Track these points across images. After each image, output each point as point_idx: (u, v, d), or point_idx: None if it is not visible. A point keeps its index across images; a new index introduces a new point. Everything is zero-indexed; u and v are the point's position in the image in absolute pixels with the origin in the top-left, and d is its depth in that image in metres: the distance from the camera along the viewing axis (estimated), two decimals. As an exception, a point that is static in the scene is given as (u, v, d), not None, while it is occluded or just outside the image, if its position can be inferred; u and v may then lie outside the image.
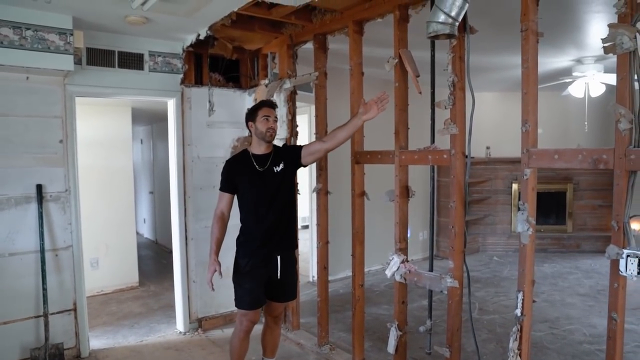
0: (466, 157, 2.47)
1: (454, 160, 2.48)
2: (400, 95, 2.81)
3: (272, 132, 2.80)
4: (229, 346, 2.94)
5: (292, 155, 2.89)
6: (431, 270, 2.87)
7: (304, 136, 4.80)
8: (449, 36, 2.34)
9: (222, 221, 2.80)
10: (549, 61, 4.93)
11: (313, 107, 5.17)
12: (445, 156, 2.54)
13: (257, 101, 3.96)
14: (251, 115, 2.85)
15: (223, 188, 2.83)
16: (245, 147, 4.15)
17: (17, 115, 3.22)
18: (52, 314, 3.35)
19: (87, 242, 4.87)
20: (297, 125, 3.75)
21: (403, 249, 2.90)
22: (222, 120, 4.07)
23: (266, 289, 2.81)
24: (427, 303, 3.13)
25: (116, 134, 5.24)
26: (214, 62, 4.07)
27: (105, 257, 5.12)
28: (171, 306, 4.38)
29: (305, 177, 5.19)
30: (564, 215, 7.02)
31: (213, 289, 2.63)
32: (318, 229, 3.51)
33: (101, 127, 5.09)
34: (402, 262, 2.86)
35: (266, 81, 3.90)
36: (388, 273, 2.90)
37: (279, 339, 3.13)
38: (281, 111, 3.72)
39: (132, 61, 3.65)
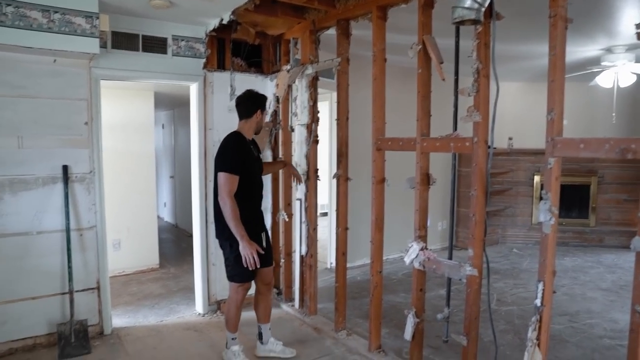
0: (489, 146, 2.44)
1: (477, 148, 2.45)
2: (423, 82, 2.78)
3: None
4: (225, 316, 3.18)
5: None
6: (450, 259, 2.85)
7: (325, 123, 4.80)
8: (475, 22, 2.30)
9: (235, 202, 2.88)
10: (577, 50, 4.81)
11: (334, 94, 5.17)
12: (467, 144, 2.51)
13: (279, 87, 3.98)
14: (263, 105, 3.12)
15: (235, 170, 2.88)
16: (266, 133, 4.19)
17: (45, 98, 3.29)
18: (77, 291, 3.45)
19: (110, 224, 4.96)
20: (318, 112, 3.75)
21: (422, 237, 2.90)
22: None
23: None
24: (445, 292, 3.13)
25: (139, 118, 5.31)
26: (236, 47, 4.08)
27: (126, 239, 5.23)
28: (190, 288, 4.46)
29: (324, 164, 5.19)
30: (587, 208, 6.88)
31: (258, 266, 2.89)
32: (337, 215, 3.52)
33: (124, 111, 5.17)
34: (421, 249, 2.85)
35: (288, 67, 3.90)
36: (407, 260, 2.90)
37: (271, 305, 3.36)
38: (302, 97, 3.72)
39: (155, 45, 3.68)
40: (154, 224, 5.50)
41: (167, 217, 8.50)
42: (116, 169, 5.05)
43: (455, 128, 2.70)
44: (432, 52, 2.69)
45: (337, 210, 3.53)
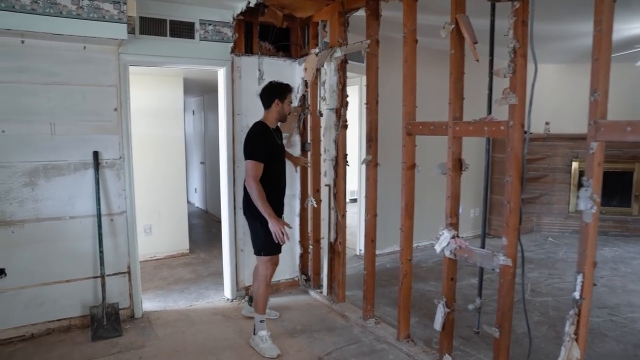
0: (525, 130, 2.31)
1: (512, 133, 2.33)
2: (456, 63, 2.66)
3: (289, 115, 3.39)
4: (255, 296, 3.30)
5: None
6: (483, 248, 2.75)
7: (354, 107, 4.70)
8: (512, -3, 2.17)
9: (260, 185, 3.07)
10: (624, 27, 4.52)
11: (364, 78, 5.06)
12: (502, 128, 2.38)
13: (307, 71, 3.91)
14: (281, 94, 3.23)
15: (260, 157, 3.07)
16: (294, 117, 4.14)
17: (75, 84, 3.33)
18: (108, 275, 3.51)
19: (141, 209, 5.05)
20: (347, 95, 3.67)
21: (454, 224, 2.80)
22: (271, 91, 4.05)
23: None
24: (477, 281, 3.03)
25: (168, 104, 5.35)
26: (264, 31, 4.02)
27: (158, 224, 5.30)
28: (219, 274, 4.49)
29: (354, 149, 5.12)
30: (629, 196, 6.56)
31: (288, 239, 3.09)
32: (366, 202, 3.45)
33: (154, 97, 5.21)
34: (453, 237, 2.76)
35: (316, 50, 3.82)
36: (437, 248, 2.82)
37: None
38: (331, 80, 3.64)
39: (183, 30, 3.66)
40: (184, 209, 5.56)
41: (198, 202, 8.61)
42: (147, 155, 5.12)
43: (489, 111, 2.58)
44: (465, 32, 2.57)
45: (367, 196, 3.46)
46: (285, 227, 3.06)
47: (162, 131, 5.28)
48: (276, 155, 3.25)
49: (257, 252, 3.26)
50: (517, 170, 2.35)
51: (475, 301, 2.91)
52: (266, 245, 3.19)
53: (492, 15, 2.50)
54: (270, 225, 3.03)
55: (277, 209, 3.24)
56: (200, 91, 7.53)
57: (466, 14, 2.60)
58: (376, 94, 3.36)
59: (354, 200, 6.01)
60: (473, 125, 2.57)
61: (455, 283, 2.83)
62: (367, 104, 3.37)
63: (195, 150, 8.51)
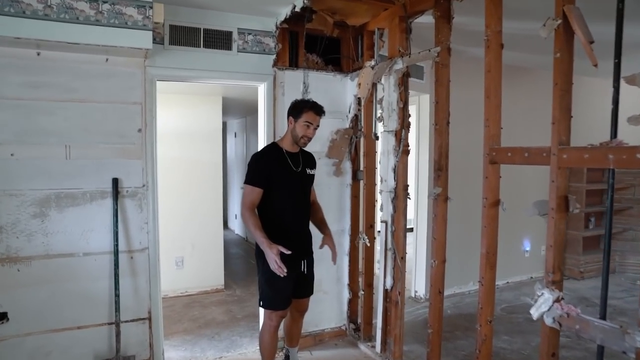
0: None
1: (657, 163, 1.66)
2: (563, 70, 2.02)
3: (306, 140, 2.74)
4: (260, 347, 2.88)
5: (315, 168, 2.91)
6: (604, 316, 2.03)
7: (411, 130, 4.09)
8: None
9: (255, 213, 2.64)
10: None
11: (422, 97, 4.48)
12: (638, 155, 1.71)
13: (361, 87, 3.35)
14: (295, 111, 2.72)
15: (257, 183, 2.62)
16: (345, 140, 3.57)
17: (95, 102, 2.91)
18: (125, 321, 3.02)
19: (172, 240, 4.65)
20: (409, 115, 3.07)
21: (557, 282, 2.11)
22: (318, 109, 3.52)
23: (295, 286, 2.77)
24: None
25: (206, 125, 4.91)
26: (310, 42, 3.51)
27: (190, 257, 4.82)
28: (256, 316, 3.94)
29: (411, 178, 4.50)
30: None
31: (286, 273, 2.46)
32: (434, 244, 2.80)
33: (190, 117, 4.79)
34: (557, 300, 2.07)
35: (372, 62, 3.26)
36: (535, 313, 2.13)
37: (301, 329, 3.12)
38: (390, 97, 3.06)
39: (219, 40, 3.20)
40: (219, 240, 5.05)
41: (238, 229, 8.14)
42: (181, 180, 4.70)
43: (614, 133, 1.91)
44: (577, 28, 1.93)
45: (434, 237, 2.81)
46: (281, 253, 2.48)
47: (198, 155, 4.84)
48: (286, 183, 2.69)
49: (259, 301, 2.79)
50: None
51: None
52: (266, 296, 2.72)
53: (621, 2, 1.85)
54: (266, 255, 2.49)
55: (291, 248, 2.54)
56: (243, 112, 7.13)
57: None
58: (447, 112, 2.74)
59: (409, 230, 5.33)
60: (590, 152, 1.90)
61: (560, 361, 2.12)
62: (436, 124, 2.75)
63: (236, 174, 8.09)
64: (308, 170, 2.81)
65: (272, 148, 2.79)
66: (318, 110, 2.70)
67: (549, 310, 2.08)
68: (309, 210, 2.86)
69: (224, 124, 8.83)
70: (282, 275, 2.46)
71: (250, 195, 2.61)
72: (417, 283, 4.76)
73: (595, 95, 5.57)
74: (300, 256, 2.73)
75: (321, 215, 2.98)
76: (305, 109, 2.67)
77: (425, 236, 4.62)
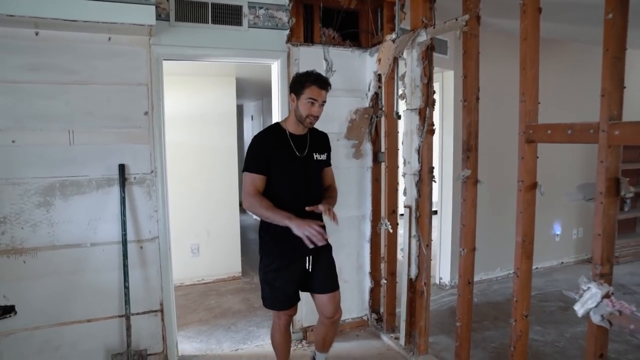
0: None
1: None
2: (614, 34, 1.75)
3: (313, 120, 2.36)
4: (271, 342, 2.69)
5: (327, 151, 2.55)
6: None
7: (439, 109, 3.83)
8: None
9: (261, 195, 2.30)
10: None
11: (446, 73, 4.20)
12: None
13: (381, 63, 3.11)
14: (296, 87, 2.34)
15: (257, 169, 2.30)
16: (364, 120, 3.34)
17: (99, 84, 2.73)
18: (137, 314, 2.89)
19: (187, 227, 4.53)
20: (434, 92, 2.82)
21: (606, 276, 1.88)
22: (335, 87, 3.18)
23: (301, 283, 2.47)
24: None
25: (219, 108, 4.72)
26: (326, 16, 3.27)
27: (206, 244, 4.68)
28: (274, 305, 3.78)
29: (435, 160, 4.27)
30: None
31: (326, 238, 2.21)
32: (463, 231, 2.58)
33: (202, 100, 4.60)
34: (606, 295, 1.84)
35: (393, 36, 3.01)
36: (579, 310, 1.90)
37: (335, 336, 2.69)
38: (413, 73, 2.81)
39: (228, 15, 2.98)
40: (236, 226, 4.90)
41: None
42: (194, 165, 4.54)
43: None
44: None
45: (463, 224, 2.59)
46: (282, 248, 2.33)
47: (212, 139, 4.66)
48: (285, 169, 2.34)
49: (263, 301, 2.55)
50: None
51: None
52: (266, 295, 2.49)
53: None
54: (295, 230, 2.15)
55: (295, 241, 2.21)
56: (259, 94, 6.93)
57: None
58: (476, 88, 2.49)
59: (433, 213, 5.11)
60: (650, 128, 1.65)
61: (608, 363, 1.90)
62: (464, 101, 2.50)
63: (253, 158, 7.94)
64: (316, 155, 2.44)
65: (273, 129, 2.45)
66: (323, 83, 2.32)
67: (596, 306, 1.85)
68: (317, 200, 2.40)
69: (240, 107, 8.65)
70: (320, 244, 2.13)
71: (248, 184, 2.29)
72: (442, 269, 4.55)
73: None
74: (302, 252, 2.35)
75: (330, 194, 2.53)
76: (307, 84, 2.29)
77: (451, 220, 4.39)
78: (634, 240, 5.39)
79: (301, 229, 2.14)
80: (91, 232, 2.78)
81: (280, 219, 2.20)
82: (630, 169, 5.35)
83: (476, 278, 4.28)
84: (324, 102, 2.35)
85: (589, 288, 1.89)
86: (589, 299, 1.87)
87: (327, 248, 2.48)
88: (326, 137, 2.60)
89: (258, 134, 2.46)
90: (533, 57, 2.11)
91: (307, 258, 2.43)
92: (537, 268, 5.07)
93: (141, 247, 2.89)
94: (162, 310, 2.98)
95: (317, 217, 2.35)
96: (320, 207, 2.32)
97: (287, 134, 2.39)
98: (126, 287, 2.80)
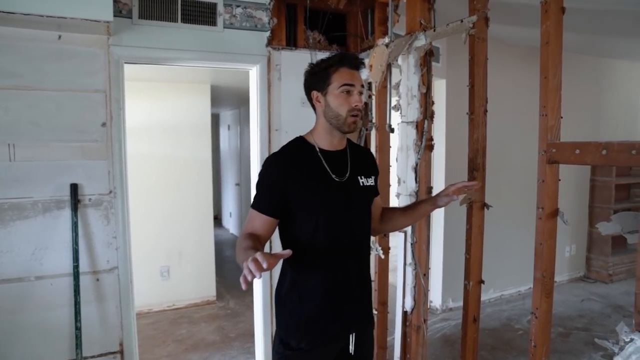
0: None
1: None
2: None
3: (358, 115, 1.57)
4: None
5: (375, 174, 1.78)
6: None
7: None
8: None
9: (247, 236, 1.52)
10: None
11: (439, 82, 3.92)
12: None
13: (372, 69, 2.79)
14: (317, 79, 1.59)
15: (260, 206, 1.55)
16: (353, 134, 3.01)
17: (46, 89, 2.35)
18: (91, 357, 2.49)
19: (157, 248, 4.14)
20: (433, 103, 2.51)
21: (650, 325, 1.58)
22: (321, 97, 2.97)
23: None
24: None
25: (192, 117, 4.35)
26: (311, 18, 2.95)
27: (177, 266, 4.29)
28: (251, 334, 3.41)
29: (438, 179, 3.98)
30: None
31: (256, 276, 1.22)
32: (468, 262, 2.27)
33: (173, 109, 4.24)
34: (650, 350, 1.54)
35: (386, 40, 2.70)
36: (619, 365, 1.60)
37: None
38: (410, 81, 2.50)
39: (200, 14, 2.63)
40: (210, 245, 4.51)
41: (233, 228, 7.61)
42: (164, 180, 4.16)
43: None
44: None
45: (467, 254, 2.28)
46: (311, 321, 1.58)
47: (184, 151, 4.28)
48: (320, 204, 1.56)
49: None
50: None
51: None
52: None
53: None
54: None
55: (340, 316, 1.60)
56: (236, 103, 6.57)
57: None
58: (484, 99, 2.20)
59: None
60: None
61: None
62: (471, 113, 2.20)
63: (230, 170, 7.55)
64: (362, 180, 1.66)
65: (297, 146, 1.64)
66: (353, 62, 1.59)
67: (639, 360, 1.55)
68: (368, 245, 1.71)
69: (216, 116, 8.27)
70: (243, 287, 1.23)
71: (247, 225, 1.57)
72: (433, 292, 4.24)
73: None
74: (346, 326, 1.63)
75: (399, 214, 1.93)
76: (332, 68, 1.56)
77: (442, 239, 4.12)
78: (627, 257, 5.19)
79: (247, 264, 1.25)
80: (36, 263, 2.38)
81: (240, 257, 1.41)
82: (623, 184, 5.17)
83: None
84: (363, 87, 1.60)
85: (632, 340, 1.59)
86: (633, 353, 1.57)
87: (370, 329, 1.79)
88: (370, 153, 1.89)
89: (272, 154, 1.66)
90: (555, 63, 1.82)
91: (350, 336, 1.65)
92: (530, 288, 4.82)
93: (97, 280, 2.49)
94: (121, 352, 2.58)
95: (363, 283, 1.70)
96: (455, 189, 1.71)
97: (317, 151, 1.62)
98: (77, 328, 2.39)
